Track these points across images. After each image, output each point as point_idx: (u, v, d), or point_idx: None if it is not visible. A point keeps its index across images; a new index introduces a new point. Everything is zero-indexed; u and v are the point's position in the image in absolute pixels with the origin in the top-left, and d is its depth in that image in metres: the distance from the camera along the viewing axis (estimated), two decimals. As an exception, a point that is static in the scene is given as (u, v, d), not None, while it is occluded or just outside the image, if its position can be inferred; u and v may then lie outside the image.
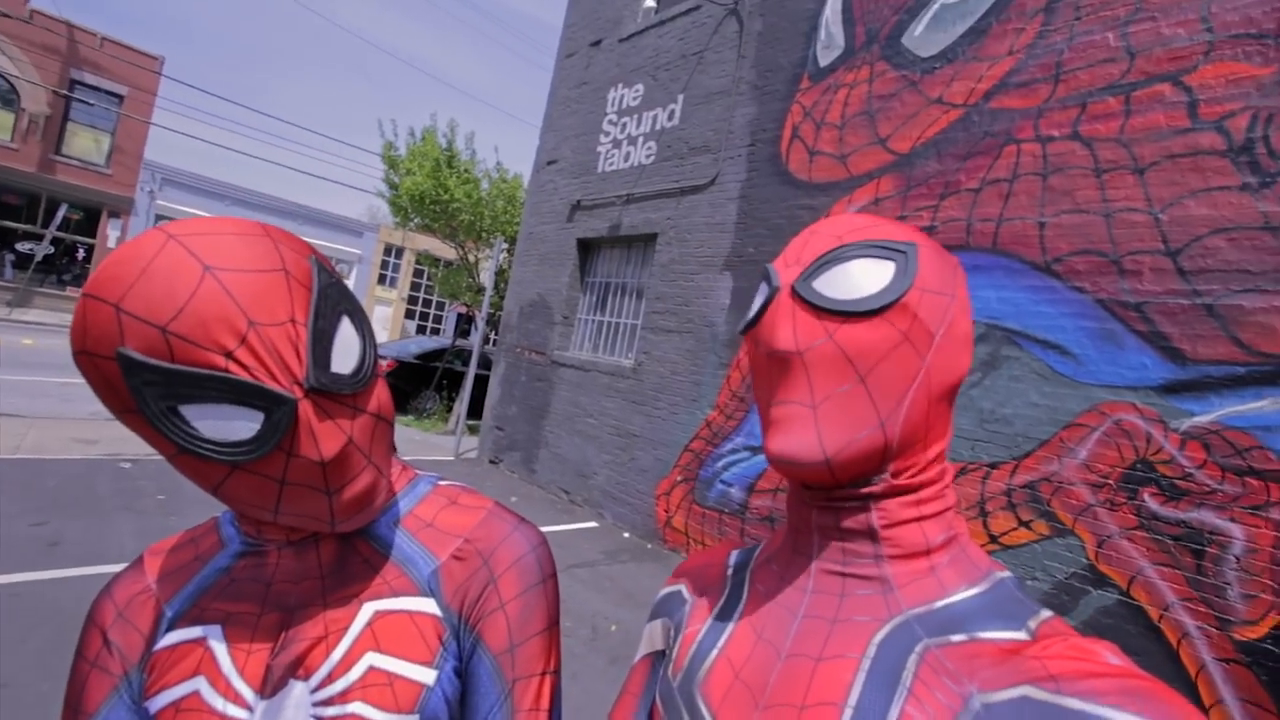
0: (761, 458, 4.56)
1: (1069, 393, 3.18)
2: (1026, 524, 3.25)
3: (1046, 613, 0.46)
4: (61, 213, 16.16)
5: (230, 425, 0.43)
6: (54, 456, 5.00)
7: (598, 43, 7.12)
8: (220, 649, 0.52)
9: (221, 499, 0.49)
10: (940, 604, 0.47)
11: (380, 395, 0.54)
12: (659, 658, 0.62)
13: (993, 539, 3.35)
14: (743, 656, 0.51)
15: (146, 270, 0.42)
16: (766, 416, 0.50)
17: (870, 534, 0.49)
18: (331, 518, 0.50)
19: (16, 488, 4.22)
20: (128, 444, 5.63)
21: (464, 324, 13.82)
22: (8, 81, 15.51)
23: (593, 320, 6.76)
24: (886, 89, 4.25)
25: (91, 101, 16.55)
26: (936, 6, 4.07)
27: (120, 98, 17.08)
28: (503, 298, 9.70)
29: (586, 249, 6.91)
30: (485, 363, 9.84)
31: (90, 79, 16.59)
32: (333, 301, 0.49)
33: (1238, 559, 2.59)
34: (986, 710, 0.39)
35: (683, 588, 0.64)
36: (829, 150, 4.53)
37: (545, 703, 0.57)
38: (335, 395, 0.48)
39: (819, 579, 0.51)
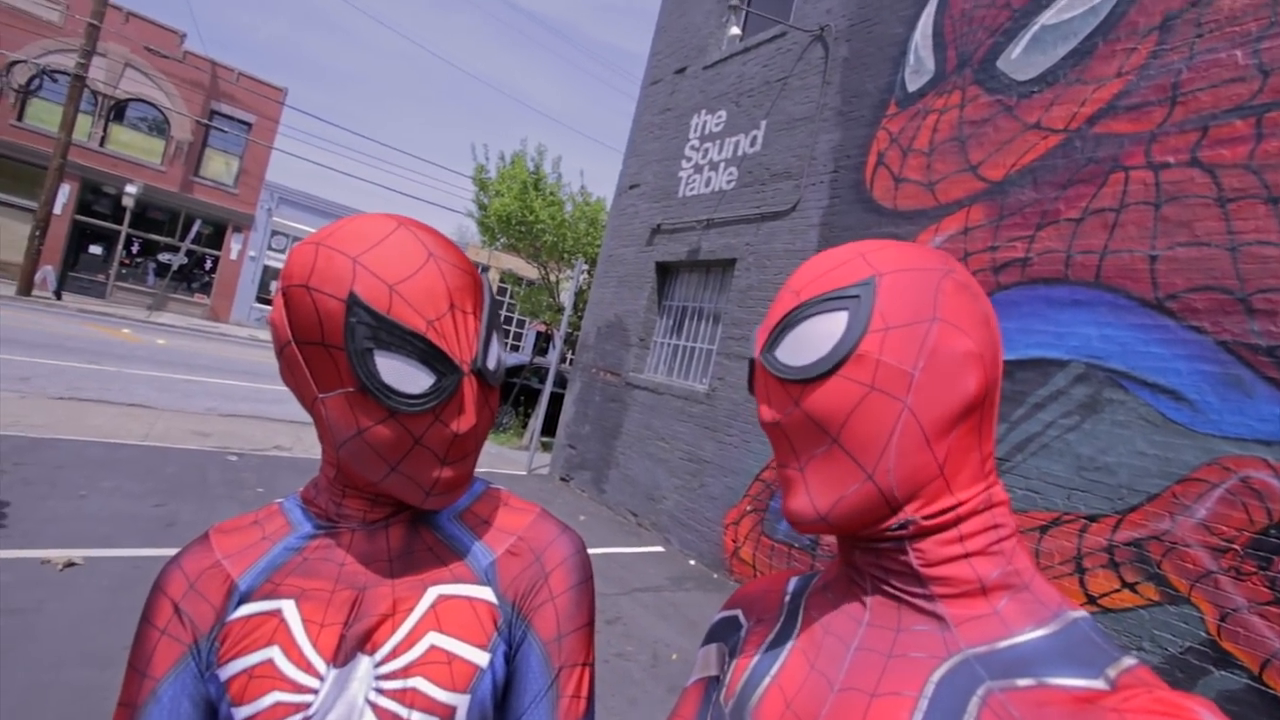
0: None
1: (1184, 443, 2.88)
2: (1132, 586, 2.95)
3: (1130, 660, 0.42)
4: (196, 227, 18.04)
5: (408, 377, 0.52)
6: (175, 445, 5.52)
7: (682, 70, 7.23)
8: (295, 621, 0.56)
9: (349, 450, 0.55)
10: (1004, 644, 0.44)
11: (496, 400, 0.62)
12: (712, 683, 0.62)
13: (1091, 599, 3.06)
14: (795, 686, 0.51)
15: (385, 241, 0.53)
16: (779, 477, 0.53)
17: (914, 575, 0.48)
18: (431, 488, 0.57)
19: (144, 471, 4.70)
20: (235, 439, 6.13)
21: (542, 342, 14.22)
22: (162, 113, 17.54)
23: (668, 344, 6.78)
24: (979, 114, 4.06)
25: (225, 129, 18.43)
26: (1037, 27, 3.86)
27: (249, 125, 18.92)
28: (581, 318, 9.91)
29: (665, 272, 6.96)
30: (561, 381, 10.06)
31: (226, 109, 18.49)
32: (495, 311, 0.60)
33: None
34: None
35: (739, 613, 0.64)
36: (916, 178, 4.37)
37: (585, 690, 0.62)
38: (483, 383, 0.58)
39: (874, 611, 0.50)
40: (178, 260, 18.11)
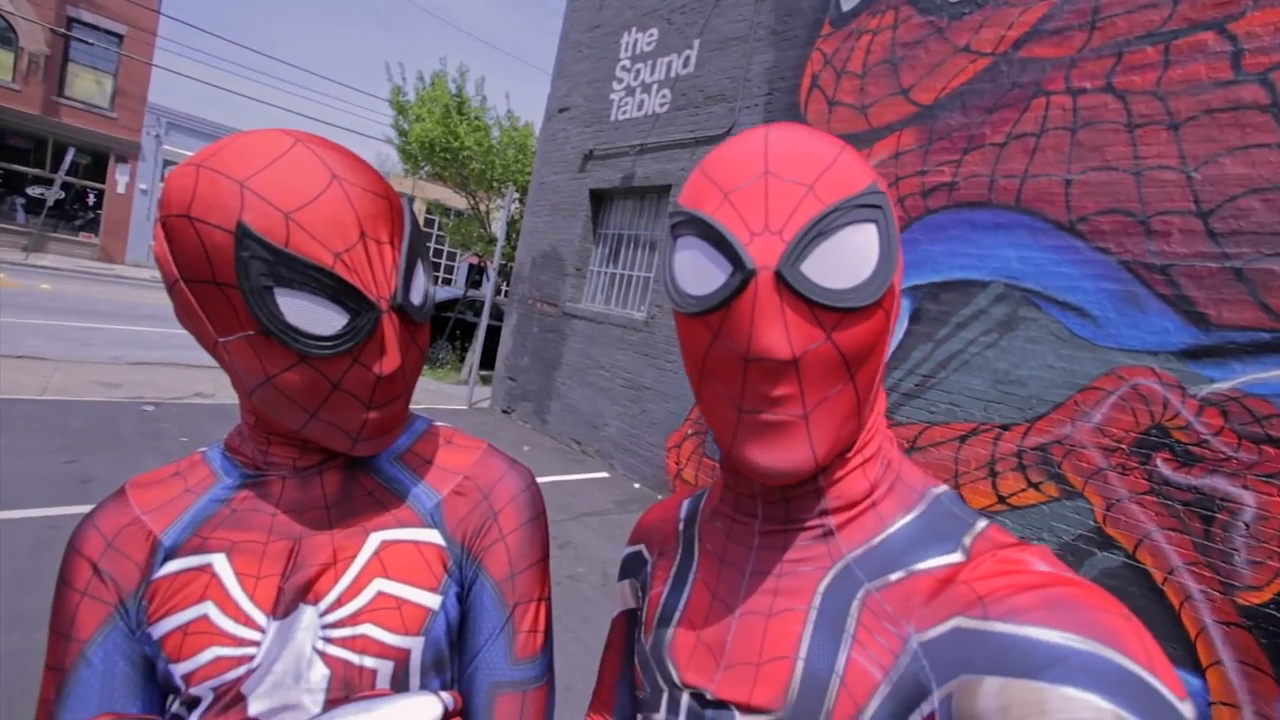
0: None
1: (1087, 355, 3.15)
2: (1036, 485, 3.27)
3: (982, 523, 0.45)
4: (69, 156, 16.02)
5: (316, 318, 0.46)
6: (79, 398, 5.11)
7: (611, -19, 6.81)
8: (228, 575, 0.53)
9: (261, 398, 0.50)
10: (878, 540, 0.46)
11: (425, 337, 0.58)
12: (632, 614, 0.65)
13: (1001, 499, 3.38)
14: (701, 617, 0.52)
15: (278, 161, 0.46)
16: (734, 422, 0.43)
17: (817, 492, 0.48)
18: (358, 434, 0.52)
19: (46, 427, 4.35)
20: (148, 388, 5.74)
21: (475, 275, 13.77)
22: (4, 19, 15.13)
23: (605, 272, 6.71)
24: (911, 36, 4.06)
25: (90, 40, 16.16)
26: (971, -55, 3.84)
27: (120, 37, 16.65)
28: (514, 248, 9.62)
29: (599, 200, 6.80)
30: (497, 314, 9.85)
31: (88, 17, 16.14)
32: (418, 239, 0.54)
33: (1247, 525, 2.61)
34: (923, 649, 0.40)
35: (643, 548, 0.65)
36: (849, 101, 4.37)
37: (542, 624, 0.62)
38: (406, 320, 0.52)
39: (763, 535, 0.51)
40: (52, 194, 16.13)
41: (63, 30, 15.60)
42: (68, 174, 16.25)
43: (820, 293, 0.39)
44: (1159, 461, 2.88)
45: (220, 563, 0.54)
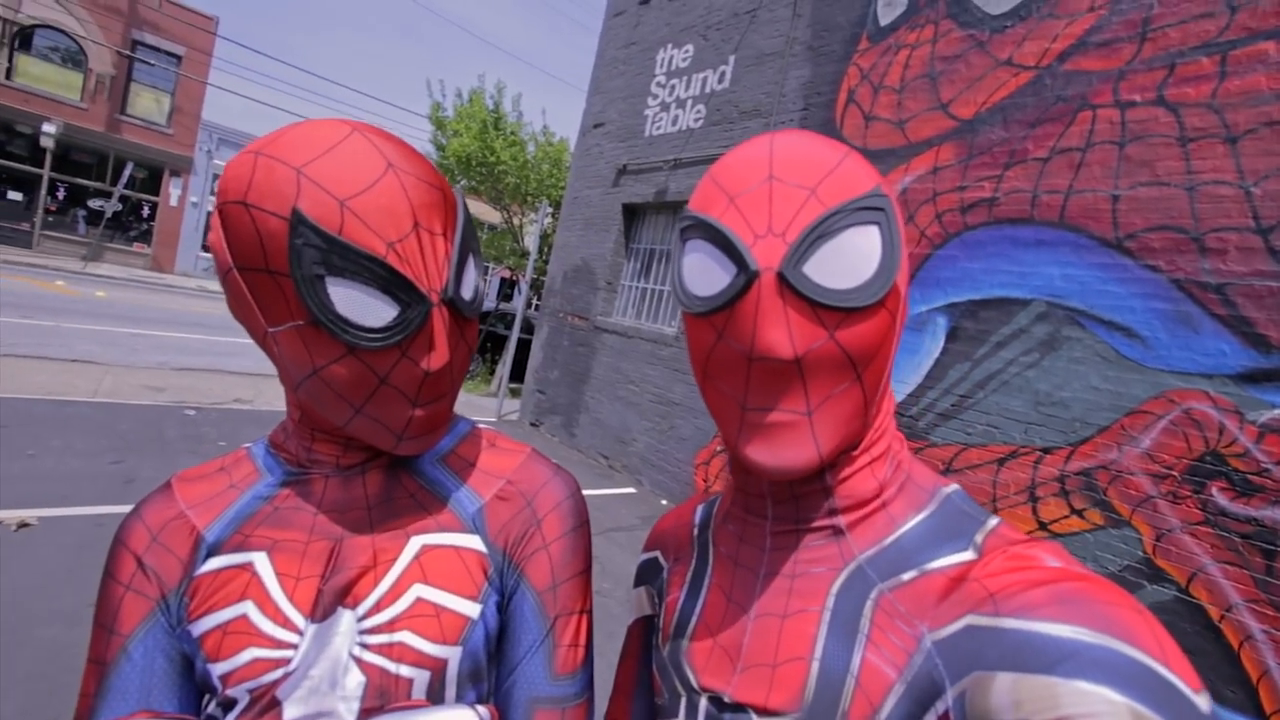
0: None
1: (1134, 378, 3.02)
2: (1079, 512, 3.13)
3: (993, 520, 0.45)
4: (128, 171, 16.82)
5: (367, 309, 0.45)
6: (127, 401, 5.30)
7: (647, 0, 6.90)
8: (268, 574, 0.52)
9: (307, 391, 0.49)
10: (890, 540, 0.46)
11: (474, 333, 0.56)
12: (648, 621, 0.64)
13: (1042, 526, 3.25)
14: (717, 621, 0.52)
15: (335, 149, 0.45)
16: (739, 419, 0.44)
17: (825, 491, 0.48)
18: (403, 432, 0.51)
19: (96, 428, 4.52)
20: (191, 393, 5.92)
21: (507, 288, 13.96)
22: (76, 43, 16.03)
23: (636, 287, 6.72)
24: (951, 50, 4.00)
25: (152, 62, 17.00)
26: (1013, -42, 3.78)
27: (178, 58, 17.48)
28: (546, 262, 9.72)
29: (632, 214, 6.83)
30: (528, 327, 9.94)
31: (150, 39, 17.00)
32: (471, 233, 0.53)
33: (1312, 561, 2.46)
34: (936, 647, 0.40)
35: (658, 555, 0.65)
36: (886, 116, 4.32)
37: (583, 639, 0.59)
38: (456, 314, 0.51)
39: (774, 536, 0.51)
40: (111, 207, 16.93)
41: (127, 52, 16.46)
42: (125, 187, 17.06)
43: (822, 293, 0.40)
44: (1214, 490, 2.73)
45: (261, 561, 0.53)
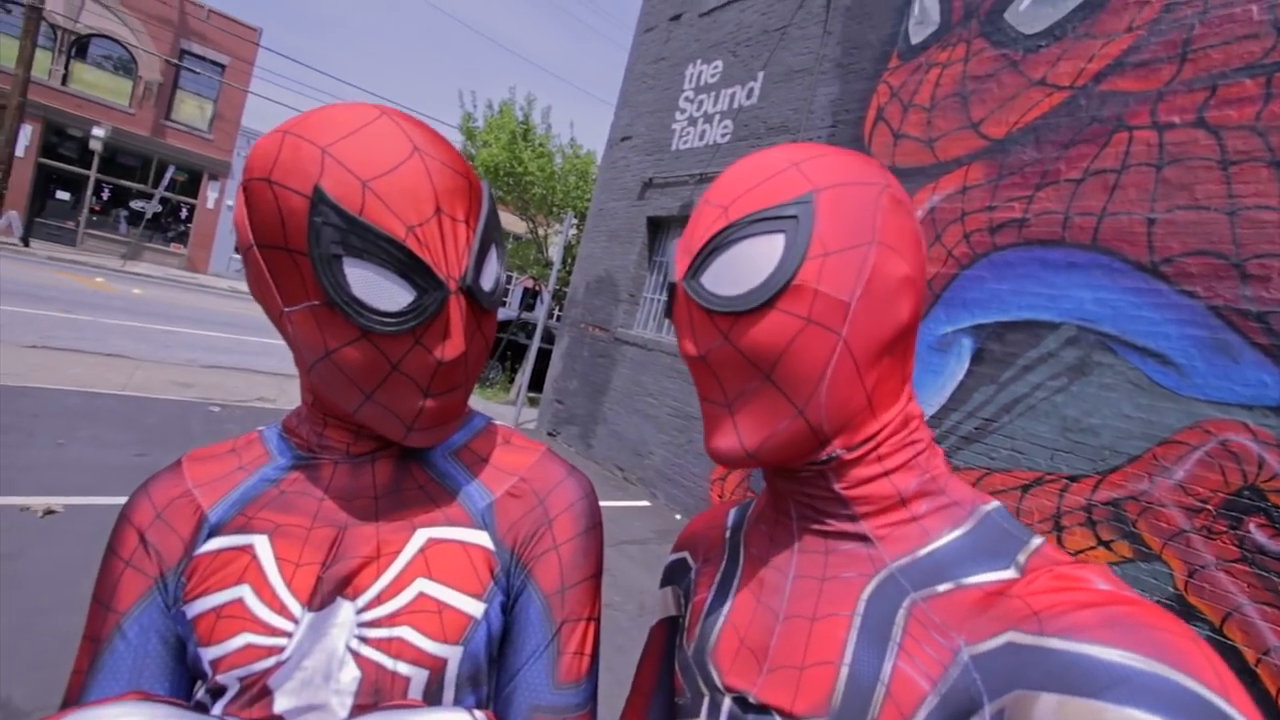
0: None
1: (1169, 406, 2.92)
2: (1107, 544, 3.02)
3: (1037, 540, 0.44)
4: (169, 174, 17.38)
5: (382, 291, 0.45)
6: (155, 396, 5.42)
7: (678, 17, 6.96)
8: (268, 558, 0.51)
9: (319, 374, 0.49)
10: (924, 552, 0.46)
11: (492, 326, 0.56)
12: (673, 622, 0.64)
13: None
14: (745, 621, 0.51)
15: (361, 131, 0.45)
16: (702, 410, 0.50)
17: (837, 499, 0.48)
18: (413, 422, 0.50)
19: (123, 420, 4.62)
20: (217, 390, 6.04)
21: (529, 298, 14.07)
22: (128, 51, 16.68)
23: (659, 299, 6.72)
24: (983, 69, 3.96)
25: (198, 70, 17.62)
26: (1048, -22, 3.74)
27: (222, 67, 18.09)
28: (570, 273, 9.79)
29: (656, 227, 6.85)
30: (548, 337, 9.99)
31: (197, 49, 17.64)
32: (495, 224, 0.53)
33: (1358, 604, 2.33)
34: (974, 662, 0.39)
35: (687, 555, 0.64)
36: (915, 134, 4.28)
37: (589, 647, 0.57)
38: (474, 304, 0.50)
39: (803, 538, 0.51)
40: (151, 208, 17.50)
41: (176, 61, 17.07)
42: (166, 189, 17.63)
43: (710, 299, 0.45)
44: (1252, 527, 2.62)
45: (262, 544, 0.52)
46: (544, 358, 9.24)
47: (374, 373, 0.47)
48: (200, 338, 8.96)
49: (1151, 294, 3.05)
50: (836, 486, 0.48)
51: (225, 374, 6.93)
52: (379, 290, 0.45)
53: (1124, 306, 3.12)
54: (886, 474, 0.47)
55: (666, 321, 6.49)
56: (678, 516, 5.50)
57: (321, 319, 0.46)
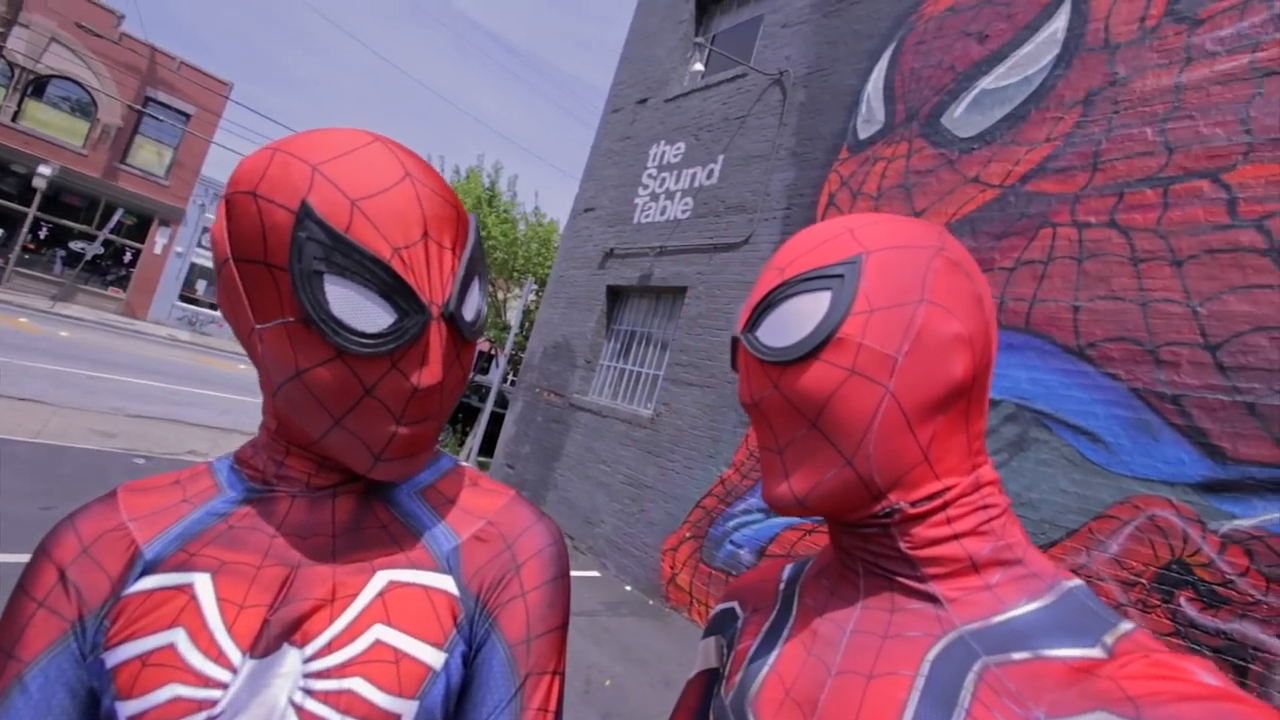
0: (774, 520, 4.45)
1: (1101, 482, 3.07)
2: (1049, 617, 3.08)
3: (1126, 625, 0.42)
4: (117, 216, 16.88)
5: (363, 312, 0.44)
6: (72, 445, 5.05)
7: (644, 101, 7.39)
8: (208, 599, 0.46)
9: (287, 396, 0.47)
10: (998, 619, 0.44)
11: (470, 358, 0.55)
12: (712, 675, 0.61)
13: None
14: (793, 673, 0.49)
15: (354, 153, 0.46)
16: (760, 460, 0.53)
17: (903, 557, 0.48)
18: (381, 451, 0.48)
19: (32, 470, 4.27)
20: (143, 441, 5.67)
21: (484, 361, 13.94)
22: (89, 93, 16.50)
23: (615, 367, 6.77)
24: (924, 165, 4.32)
25: (161, 118, 17.50)
26: (977, 90, 4.17)
27: (187, 116, 18.03)
28: (526, 338, 9.79)
29: (615, 296, 6.99)
30: (501, 401, 9.86)
31: (163, 97, 17.58)
32: (479, 255, 0.53)
33: (1281, 676, 2.43)
34: None
35: (736, 605, 0.63)
36: (864, 219, 4.58)
37: (554, 704, 0.53)
38: (455, 333, 0.50)
39: (868, 593, 0.50)
40: (92, 250, 16.85)
41: (138, 107, 16.94)
42: (111, 232, 17.05)
43: (761, 350, 0.48)
44: (1183, 600, 2.73)
45: (203, 583, 0.47)
46: (496, 421, 9.07)
47: (345, 396, 0.46)
48: (130, 385, 8.48)
49: (1080, 375, 3.26)
50: (902, 545, 0.47)
51: (153, 424, 6.54)
52: (359, 310, 0.44)
53: (1056, 386, 3.33)
54: (956, 537, 0.46)
55: (621, 388, 6.52)
56: (628, 588, 5.34)
57: (295, 337, 0.45)
